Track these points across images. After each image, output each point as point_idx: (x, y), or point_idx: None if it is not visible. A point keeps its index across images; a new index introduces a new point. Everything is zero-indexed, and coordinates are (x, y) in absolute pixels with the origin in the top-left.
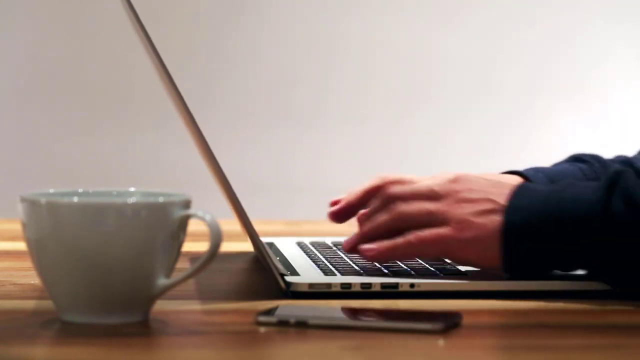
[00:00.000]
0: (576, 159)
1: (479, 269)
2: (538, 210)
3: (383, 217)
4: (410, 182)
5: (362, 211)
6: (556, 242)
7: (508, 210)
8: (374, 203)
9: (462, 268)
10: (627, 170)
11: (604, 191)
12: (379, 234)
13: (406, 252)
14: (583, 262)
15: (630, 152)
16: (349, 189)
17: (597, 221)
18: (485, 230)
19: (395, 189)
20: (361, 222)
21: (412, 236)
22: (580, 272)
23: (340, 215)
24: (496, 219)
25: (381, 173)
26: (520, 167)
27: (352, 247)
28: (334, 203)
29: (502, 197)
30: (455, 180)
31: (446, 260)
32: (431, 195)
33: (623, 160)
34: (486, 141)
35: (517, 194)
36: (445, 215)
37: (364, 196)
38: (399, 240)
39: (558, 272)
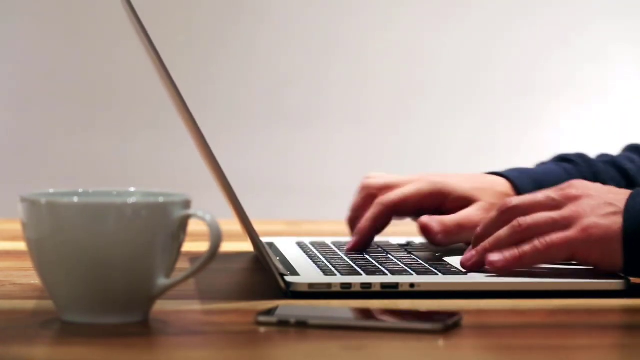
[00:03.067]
0: (562, 159)
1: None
2: None
3: (504, 232)
4: (395, 184)
5: (479, 227)
6: None
7: (627, 211)
8: (492, 216)
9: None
10: None
11: None
12: (502, 249)
13: (534, 259)
14: None
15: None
16: (349, 190)
17: None
18: (610, 232)
19: (513, 200)
20: (478, 235)
21: (538, 242)
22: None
23: (358, 247)
24: (618, 221)
25: (365, 178)
26: (520, 165)
27: (474, 264)
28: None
29: (620, 201)
30: (570, 186)
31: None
32: (550, 204)
33: (607, 160)
34: (482, 140)
35: (634, 197)
36: (569, 221)
37: (359, 210)
38: (526, 247)
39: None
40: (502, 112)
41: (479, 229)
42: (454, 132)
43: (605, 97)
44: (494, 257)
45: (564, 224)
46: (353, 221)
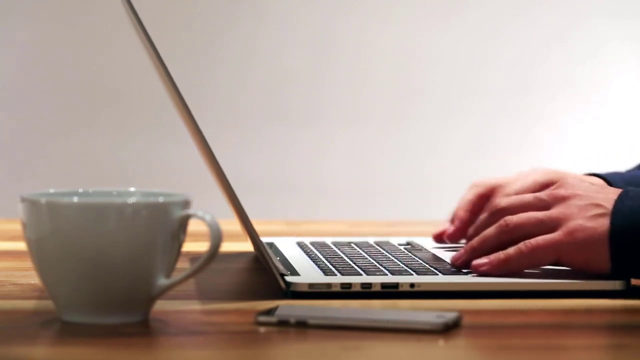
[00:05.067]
0: None
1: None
2: None
3: (491, 231)
4: (505, 184)
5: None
6: None
7: (614, 213)
8: (482, 218)
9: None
10: None
11: None
12: (489, 248)
13: (520, 263)
14: None
15: (626, 150)
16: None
17: None
18: (596, 234)
19: (502, 202)
20: (470, 236)
21: (523, 245)
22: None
23: (456, 235)
24: (605, 223)
25: (476, 181)
26: (521, 165)
27: (462, 262)
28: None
29: (608, 202)
30: (560, 185)
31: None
32: (538, 204)
33: None
34: (483, 139)
35: (622, 198)
36: (556, 222)
37: (473, 209)
38: (511, 251)
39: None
40: (502, 112)
41: (471, 230)
42: (454, 131)
43: (605, 95)
44: (479, 261)
45: (551, 225)
46: (463, 220)
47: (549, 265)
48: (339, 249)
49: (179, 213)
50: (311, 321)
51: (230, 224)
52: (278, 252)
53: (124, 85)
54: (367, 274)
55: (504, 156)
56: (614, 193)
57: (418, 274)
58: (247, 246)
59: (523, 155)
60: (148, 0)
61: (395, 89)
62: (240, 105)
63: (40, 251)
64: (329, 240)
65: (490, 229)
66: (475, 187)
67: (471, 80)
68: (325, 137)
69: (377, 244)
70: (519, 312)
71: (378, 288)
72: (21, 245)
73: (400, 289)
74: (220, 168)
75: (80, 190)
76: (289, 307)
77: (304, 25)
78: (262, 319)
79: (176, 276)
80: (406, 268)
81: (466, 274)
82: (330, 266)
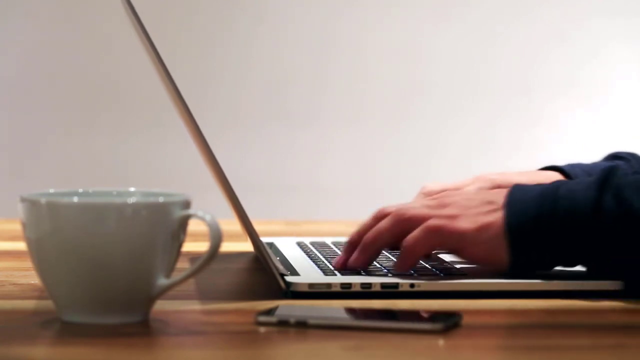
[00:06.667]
0: (613, 156)
1: (481, 268)
2: (533, 207)
3: (386, 223)
4: (454, 187)
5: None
6: (552, 238)
7: (506, 207)
8: (367, 221)
9: (461, 266)
10: (619, 168)
11: (596, 188)
12: (384, 242)
13: (427, 243)
14: (581, 258)
15: (626, 150)
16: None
17: (590, 217)
18: (494, 227)
19: (390, 208)
20: (353, 242)
21: (429, 223)
22: (581, 268)
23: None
24: (501, 215)
25: (426, 185)
26: (519, 164)
27: (356, 260)
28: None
29: (500, 198)
30: (445, 195)
31: (451, 259)
32: (430, 206)
33: None
34: (483, 139)
35: (512, 193)
36: (454, 218)
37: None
38: (415, 231)
39: (561, 268)
40: (502, 112)
41: (352, 235)
42: (454, 131)
43: (605, 95)
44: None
45: (449, 220)
46: None
47: (450, 251)
48: (339, 249)
49: (179, 213)
50: (311, 321)
51: (230, 224)
52: (278, 252)
53: (124, 85)
54: (367, 274)
55: (504, 156)
56: (502, 192)
57: (418, 274)
58: (247, 246)
59: (523, 155)
60: (148, 0)
61: (395, 89)
62: (240, 105)
63: (40, 251)
64: (329, 240)
65: (384, 221)
66: (424, 195)
67: (471, 80)
68: (325, 137)
69: None
70: (519, 312)
71: (378, 288)
72: (21, 245)
73: (400, 289)
74: (220, 168)
75: (80, 190)
76: (289, 307)
77: (304, 25)
78: (262, 319)
79: (176, 276)
80: None
81: (466, 274)
82: (330, 266)
